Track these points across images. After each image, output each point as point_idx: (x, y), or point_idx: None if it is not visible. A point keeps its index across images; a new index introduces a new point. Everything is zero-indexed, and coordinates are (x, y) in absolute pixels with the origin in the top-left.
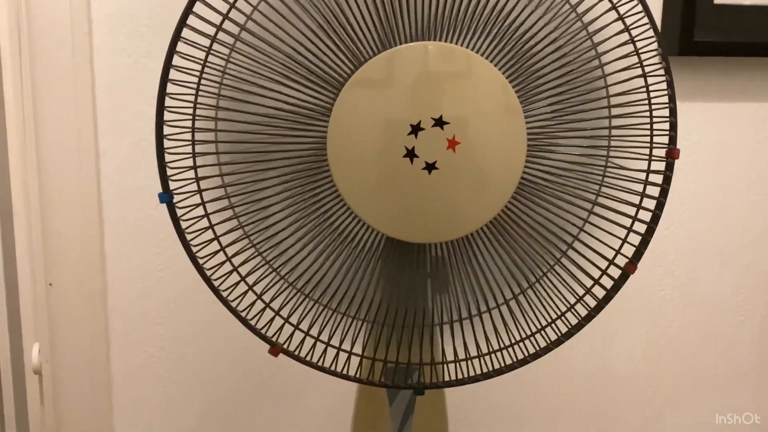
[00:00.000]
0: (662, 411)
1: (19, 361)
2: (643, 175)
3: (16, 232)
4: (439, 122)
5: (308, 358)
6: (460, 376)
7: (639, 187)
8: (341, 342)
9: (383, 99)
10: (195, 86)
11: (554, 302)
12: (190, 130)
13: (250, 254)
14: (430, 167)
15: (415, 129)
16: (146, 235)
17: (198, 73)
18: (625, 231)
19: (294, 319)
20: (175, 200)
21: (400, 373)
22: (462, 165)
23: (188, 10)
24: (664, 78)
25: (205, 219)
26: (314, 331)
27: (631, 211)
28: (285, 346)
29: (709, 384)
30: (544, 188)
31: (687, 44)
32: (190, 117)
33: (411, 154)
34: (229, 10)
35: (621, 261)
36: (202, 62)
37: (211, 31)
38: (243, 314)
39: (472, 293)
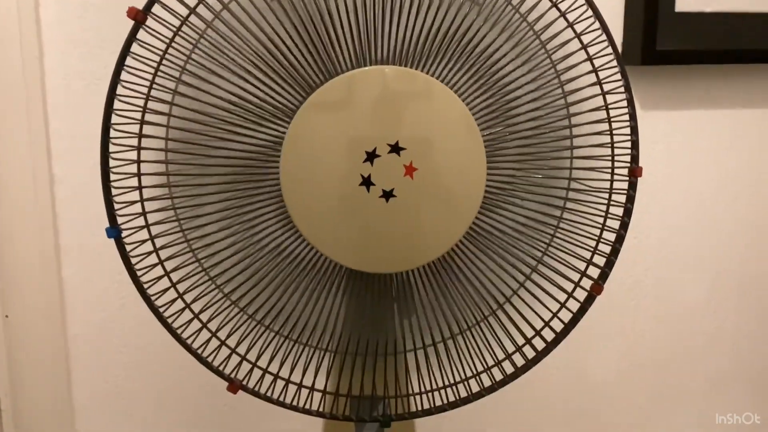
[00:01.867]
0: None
1: None
2: (606, 195)
3: None
4: (396, 148)
5: (269, 394)
6: (428, 406)
7: (603, 208)
8: (303, 374)
9: (340, 123)
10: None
11: (520, 326)
12: (135, 159)
13: (206, 288)
14: (387, 195)
15: (371, 156)
16: (106, 261)
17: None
18: (590, 252)
19: (254, 352)
20: (124, 235)
21: (365, 405)
22: (421, 192)
23: (131, 39)
24: (624, 96)
25: (155, 255)
26: (276, 363)
27: (596, 230)
28: (244, 383)
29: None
30: (506, 213)
31: (649, 53)
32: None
33: (367, 182)
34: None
35: (588, 282)
36: (148, 86)
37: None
38: (199, 351)
39: (441, 317)
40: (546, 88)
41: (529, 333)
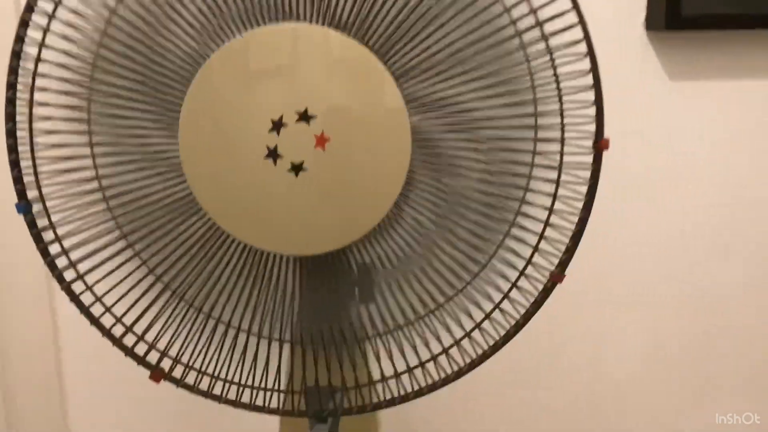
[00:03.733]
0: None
1: None
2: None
3: None
4: (305, 116)
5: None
6: (389, 396)
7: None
8: (253, 367)
9: (241, 87)
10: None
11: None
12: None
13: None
14: (296, 168)
15: (277, 125)
16: None
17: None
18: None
19: (194, 339)
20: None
21: (317, 398)
22: (334, 166)
23: None
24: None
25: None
26: (219, 354)
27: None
28: (178, 374)
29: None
30: (440, 190)
31: (674, 18)
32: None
33: (274, 154)
34: None
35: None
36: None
37: None
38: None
39: (404, 300)
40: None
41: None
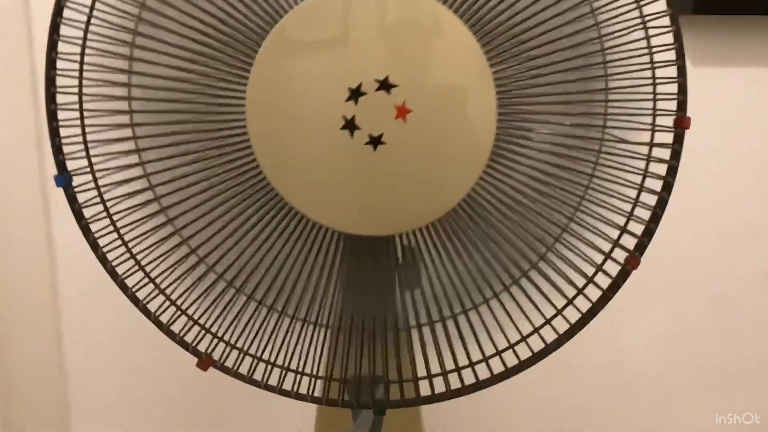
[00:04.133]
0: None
1: None
2: (645, 150)
3: None
4: (385, 85)
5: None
6: (436, 391)
7: (641, 164)
8: (290, 353)
9: (317, 54)
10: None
11: (540, 305)
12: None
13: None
14: (375, 141)
15: (355, 93)
16: None
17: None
18: (624, 218)
19: (239, 326)
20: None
21: (361, 389)
22: (415, 138)
23: None
24: (669, 29)
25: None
26: (261, 341)
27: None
28: (221, 360)
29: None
30: (520, 165)
31: (702, 0)
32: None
33: (351, 125)
34: None
35: (620, 254)
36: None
37: None
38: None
39: (451, 290)
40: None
41: (550, 312)
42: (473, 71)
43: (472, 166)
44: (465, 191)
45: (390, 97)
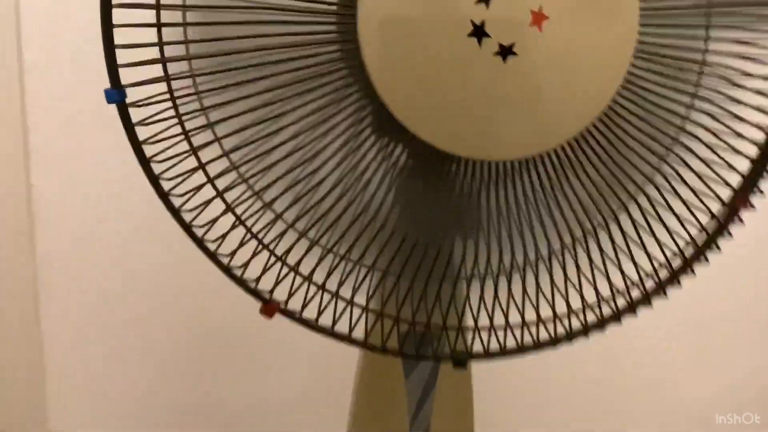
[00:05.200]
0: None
1: None
2: None
3: None
4: None
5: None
6: (509, 345)
7: None
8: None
9: None
10: None
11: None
12: None
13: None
14: (505, 52)
15: None
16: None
17: None
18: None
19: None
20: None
21: (423, 339)
22: (551, 50)
23: None
24: None
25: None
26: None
27: None
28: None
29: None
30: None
31: None
32: None
33: (480, 31)
34: None
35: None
36: None
37: None
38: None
39: (529, 233)
40: None
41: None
42: None
43: (607, 83)
44: (598, 111)
45: (525, 1)
